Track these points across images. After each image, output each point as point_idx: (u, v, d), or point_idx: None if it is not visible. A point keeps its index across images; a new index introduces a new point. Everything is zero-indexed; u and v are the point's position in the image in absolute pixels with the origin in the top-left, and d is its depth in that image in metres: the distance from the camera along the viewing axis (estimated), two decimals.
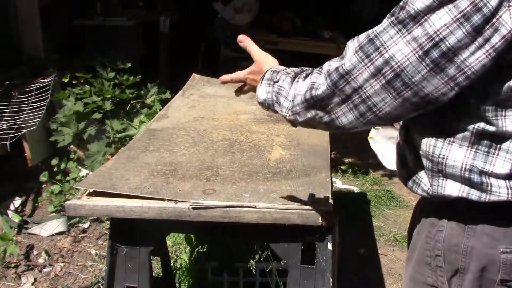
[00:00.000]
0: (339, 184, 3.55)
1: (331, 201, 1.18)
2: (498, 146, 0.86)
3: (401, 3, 0.84)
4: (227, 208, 1.15)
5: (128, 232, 1.26)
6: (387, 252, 2.82)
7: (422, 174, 0.97)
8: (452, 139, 0.89)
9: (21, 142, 3.01)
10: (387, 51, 0.83)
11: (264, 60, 1.14)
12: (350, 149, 4.02)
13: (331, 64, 0.92)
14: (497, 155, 0.86)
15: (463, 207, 0.91)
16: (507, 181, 0.86)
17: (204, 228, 1.28)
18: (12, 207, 2.94)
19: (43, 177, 3.10)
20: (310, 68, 1.02)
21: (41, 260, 2.54)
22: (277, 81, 1.03)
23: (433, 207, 0.98)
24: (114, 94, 3.14)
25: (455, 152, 0.88)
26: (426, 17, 0.79)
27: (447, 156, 0.89)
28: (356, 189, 3.52)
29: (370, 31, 0.87)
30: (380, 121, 0.89)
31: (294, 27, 4.66)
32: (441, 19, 0.78)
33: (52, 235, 2.72)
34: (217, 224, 1.18)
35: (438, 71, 0.80)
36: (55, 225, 2.75)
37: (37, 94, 2.96)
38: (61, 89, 3.29)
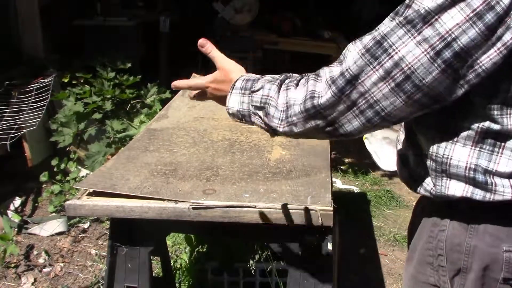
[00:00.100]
0: (339, 184, 3.55)
1: (331, 201, 1.18)
2: (503, 144, 0.85)
3: (406, 1, 0.82)
4: (227, 208, 1.15)
5: (128, 232, 1.26)
6: (387, 252, 2.82)
7: (424, 174, 0.96)
8: (456, 138, 0.88)
9: (21, 142, 3.02)
10: (396, 52, 0.80)
11: (230, 67, 1.06)
12: (350, 149, 4.02)
13: (332, 70, 0.87)
14: (502, 153, 0.86)
15: (465, 206, 0.91)
16: (511, 180, 0.86)
17: (204, 228, 1.28)
18: (12, 207, 2.94)
19: (43, 177, 3.10)
20: (295, 75, 0.97)
21: (41, 260, 2.54)
22: (258, 90, 0.96)
23: (435, 206, 0.98)
24: (114, 94, 3.14)
25: (459, 152, 0.88)
26: (437, 17, 0.77)
27: (451, 156, 0.88)
28: (356, 189, 3.52)
29: (375, 33, 0.83)
30: (386, 124, 0.87)
31: (294, 27, 4.66)
32: (453, 18, 0.76)
33: (52, 235, 2.72)
34: (217, 224, 1.18)
35: (450, 71, 0.79)
36: (55, 225, 2.75)
37: (37, 94, 2.96)
38: (61, 89, 3.30)
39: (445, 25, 0.77)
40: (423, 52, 0.78)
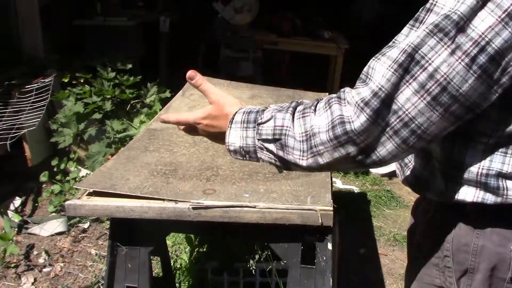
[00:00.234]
0: (339, 184, 3.55)
1: (331, 201, 1.18)
2: None
3: (427, 5, 0.78)
4: (227, 208, 1.15)
5: (128, 232, 1.26)
6: (387, 252, 2.82)
7: (432, 178, 0.94)
8: (468, 142, 0.85)
9: (21, 142, 3.02)
10: (430, 64, 0.75)
11: (225, 101, 0.96)
12: None
13: (360, 92, 0.79)
14: None
15: (474, 209, 0.90)
16: None
17: (204, 228, 1.28)
18: (12, 207, 2.94)
19: (43, 177, 3.10)
20: (306, 101, 0.89)
21: (41, 260, 2.54)
22: (266, 121, 0.87)
23: (441, 209, 0.97)
24: (114, 94, 3.14)
25: (471, 156, 0.86)
26: (467, 21, 0.74)
27: (463, 160, 0.87)
28: (356, 189, 3.52)
29: (404, 45, 0.77)
30: (421, 144, 0.80)
31: (294, 27, 4.66)
32: (484, 21, 0.74)
33: (52, 235, 2.72)
34: (217, 224, 1.18)
35: (485, 77, 0.75)
36: (55, 225, 2.75)
37: (37, 94, 2.96)
38: (61, 89, 3.30)
39: (476, 29, 0.74)
40: (457, 60, 0.75)
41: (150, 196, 1.18)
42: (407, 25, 0.81)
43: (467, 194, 0.88)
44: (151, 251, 1.28)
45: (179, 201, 1.17)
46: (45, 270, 2.48)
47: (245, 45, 4.48)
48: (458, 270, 0.95)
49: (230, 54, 4.51)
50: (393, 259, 2.76)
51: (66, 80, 3.36)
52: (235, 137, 0.91)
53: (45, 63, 3.47)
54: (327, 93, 2.07)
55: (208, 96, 0.98)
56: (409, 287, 1.10)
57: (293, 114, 0.86)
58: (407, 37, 0.79)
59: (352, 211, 3.11)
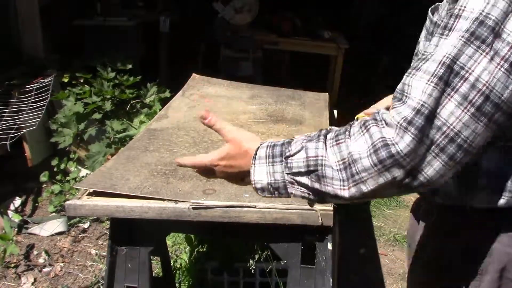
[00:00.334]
0: None
1: None
2: None
3: (455, 11, 0.77)
4: (227, 208, 1.15)
5: (128, 232, 1.26)
6: (387, 252, 2.82)
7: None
8: (487, 146, 0.83)
9: (21, 142, 3.02)
10: (470, 73, 0.73)
11: (243, 137, 0.91)
12: None
13: (400, 111, 0.75)
14: None
15: (484, 212, 0.89)
16: None
17: (204, 228, 1.28)
18: (12, 207, 2.94)
19: (43, 177, 3.10)
20: (335, 127, 0.84)
21: (41, 260, 2.54)
22: (296, 153, 0.82)
23: (445, 210, 0.97)
24: (114, 94, 3.14)
25: (489, 160, 0.86)
26: (502, 26, 0.73)
27: (480, 164, 0.86)
28: None
29: (440, 57, 0.74)
30: (467, 158, 0.76)
31: (294, 27, 4.66)
32: None
33: (52, 235, 2.72)
34: (217, 224, 1.18)
35: None
36: (55, 225, 2.75)
37: (37, 94, 2.96)
38: (61, 89, 3.29)
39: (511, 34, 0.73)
40: (496, 67, 0.73)
41: (150, 196, 1.18)
42: (436, 34, 0.79)
43: (481, 198, 0.87)
44: (151, 251, 1.28)
45: (179, 201, 1.17)
46: (45, 270, 2.48)
47: (245, 45, 4.48)
48: (467, 272, 0.94)
49: (230, 54, 4.50)
50: (393, 259, 2.76)
51: (66, 80, 3.36)
52: (261, 174, 0.85)
53: (45, 63, 3.47)
54: (327, 93, 2.08)
55: (224, 135, 0.93)
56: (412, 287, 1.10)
57: (325, 143, 0.81)
58: (440, 47, 0.76)
59: (352, 211, 3.10)
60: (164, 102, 2.94)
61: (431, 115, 0.73)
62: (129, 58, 3.59)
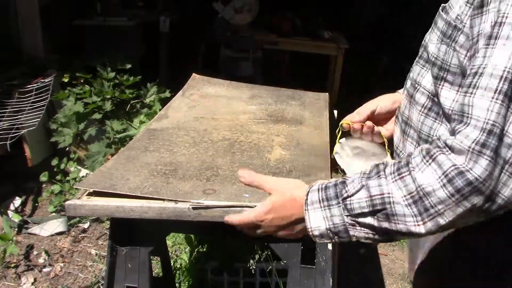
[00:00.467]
0: None
1: None
2: None
3: (498, 19, 0.75)
4: (227, 208, 1.15)
5: (128, 232, 1.26)
6: (387, 252, 2.82)
7: None
8: None
9: (21, 142, 3.02)
10: None
11: (286, 185, 0.89)
12: None
13: (468, 134, 0.72)
14: None
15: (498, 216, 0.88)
16: None
17: (204, 228, 1.28)
18: (12, 207, 2.94)
19: (43, 177, 3.10)
20: (388, 161, 0.81)
21: (41, 260, 2.54)
22: (355, 193, 0.78)
23: None
24: (114, 94, 3.14)
25: None
26: None
27: None
28: None
29: (499, 72, 0.72)
30: None
31: (294, 27, 4.66)
32: None
33: (52, 235, 2.72)
34: (217, 224, 1.18)
35: None
36: (55, 225, 2.75)
37: (37, 94, 2.96)
38: (61, 89, 3.30)
39: None
40: None
41: (150, 196, 1.18)
42: (482, 46, 0.77)
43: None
44: (151, 251, 1.28)
45: (179, 201, 1.16)
46: (45, 270, 2.48)
47: (245, 45, 4.48)
48: (479, 277, 0.95)
49: (230, 54, 4.50)
50: (393, 259, 2.76)
51: (66, 80, 3.36)
52: (318, 220, 0.81)
53: (45, 63, 3.47)
54: (327, 93, 2.08)
55: (265, 188, 0.91)
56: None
57: (386, 178, 0.77)
58: (491, 59, 0.74)
59: None
60: (164, 102, 2.95)
61: (501, 134, 0.71)
62: (129, 58, 3.59)
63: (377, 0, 6.15)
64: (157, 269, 2.22)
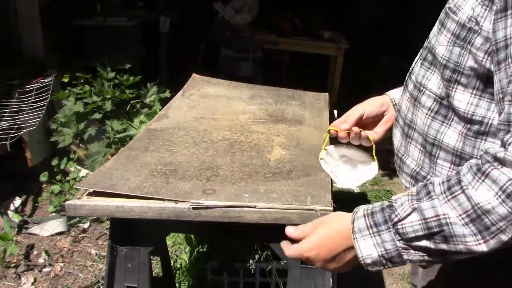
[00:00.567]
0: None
1: (331, 201, 1.18)
2: None
3: None
4: (227, 208, 1.15)
5: (128, 232, 1.26)
6: None
7: None
8: None
9: (21, 142, 3.02)
10: None
11: (324, 218, 0.90)
12: None
13: None
14: None
15: None
16: None
17: (204, 228, 1.28)
18: (12, 207, 2.94)
19: (43, 177, 3.10)
20: (435, 180, 0.79)
21: (41, 260, 2.54)
22: (407, 216, 0.77)
23: None
24: (114, 94, 3.14)
25: None
26: None
27: None
28: (356, 189, 3.52)
29: None
30: None
31: (294, 27, 4.66)
32: None
33: (52, 235, 2.72)
34: (217, 224, 1.18)
35: None
36: (55, 225, 2.75)
37: (37, 94, 2.96)
38: (61, 89, 3.30)
39: None
40: None
41: (150, 196, 1.18)
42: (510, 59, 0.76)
43: None
44: (151, 251, 1.28)
45: (179, 201, 1.16)
46: (45, 270, 2.48)
47: (245, 45, 4.48)
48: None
49: (230, 54, 4.50)
50: None
51: (66, 80, 3.36)
52: (369, 247, 0.80)
53: (45, 63, 3.47)
54: (327, 93, 2.08)
55: (306, 233, 0.91)
56: None
57: (438, 199, 0.76)
58: None
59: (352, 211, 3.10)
60: (164, 102, 2.95)
61: None
62: (129, 58, 3.59)
63: (377, 0, 6.15)
64: (157, 269, 2.22)
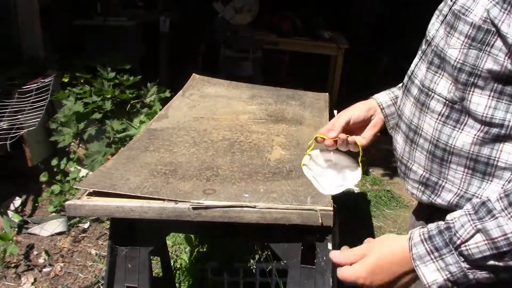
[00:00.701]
0: None
1: (331, 201, 1.18)
2: None
3: None
4: (227, 208, 1.15)
5: (128, 232, 1.26)
6: None
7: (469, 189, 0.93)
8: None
9: (21, 142, 3.02)
10: None
11: (381, 243, 0.88)
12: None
13: None
14: None
15: None
16: None
17: (204, 228, 1.28)
18: (12, 207, 2.94)
19: (43, 177, 3.10)
20: (489, 198, 0.80)
21: (41, 260, 2.54)
22: (471, 237, 0.77)
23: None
24: (114, 94, 3.14)
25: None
26: None
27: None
28: (356, 189, 3.52)
29: None
30: None
31: (294, 27, 4.66)
32: None
33: (52, 235, 2.72)
34: (217, 224, 1.18)
35: None
36: (55, 225, 2.75)
37: (37, 94, 2.96)
38: (61, 89, 3.30)
39: None
40: None
41: (150, 196, 1.18)
42: None
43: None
44: (151, 251, 1.28)
45: (179, 201, 1.16)
46: (45, 270, 2.48)
47: (245, 45, 4.48)
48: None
49: (230, 54, 4.50)
50: None
51: (66, 80, 3.36)
52: (433, 273, 0.80)
53: (45, 63, 3.47)
54: (327, 93, 2.08)
55: (355, 259, 0.91)
56: None
57: (502, 217, 0.76)
58: None
59: (352, 211, 3.11)
60: (164, 102, 2.95)
61: None
62: (129, 58, 3.59)
63: (377, 0, 6.15)
64: (157, 269, 2.22)
